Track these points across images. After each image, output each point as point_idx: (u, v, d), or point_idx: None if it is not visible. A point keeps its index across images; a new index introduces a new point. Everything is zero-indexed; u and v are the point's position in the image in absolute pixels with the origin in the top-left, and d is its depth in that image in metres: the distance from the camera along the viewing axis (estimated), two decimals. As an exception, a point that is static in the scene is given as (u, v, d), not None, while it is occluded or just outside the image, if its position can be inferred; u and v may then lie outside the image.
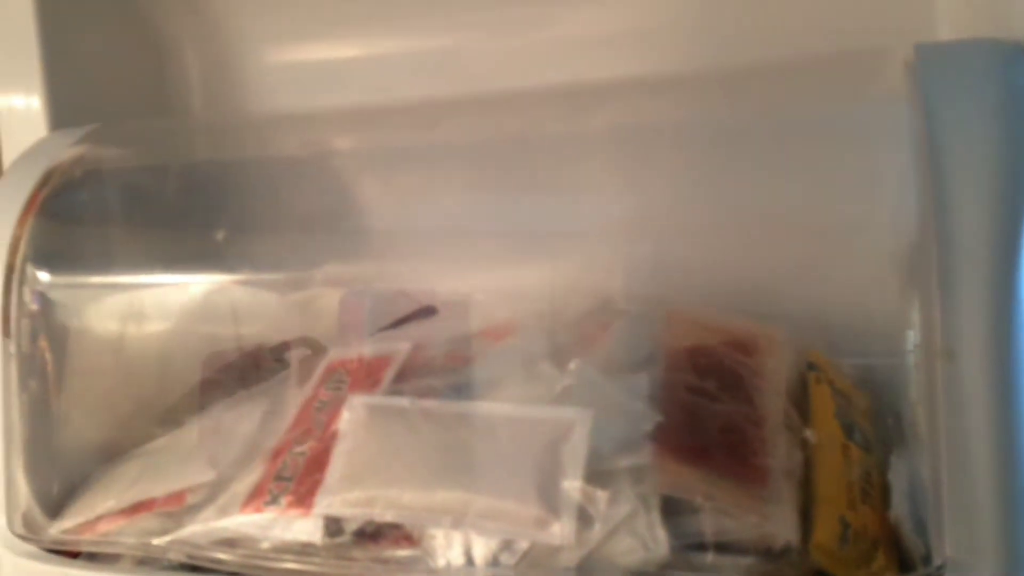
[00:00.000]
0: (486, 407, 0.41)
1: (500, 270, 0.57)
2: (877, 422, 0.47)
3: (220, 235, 0.51)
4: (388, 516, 0.39)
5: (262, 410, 0.50)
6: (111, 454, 0.52)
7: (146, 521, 0.45)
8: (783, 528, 0.36)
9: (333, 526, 0.40)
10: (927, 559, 0.36)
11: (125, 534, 0.45)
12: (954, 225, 0.37)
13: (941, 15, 0.52)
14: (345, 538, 0.40)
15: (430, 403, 0.42)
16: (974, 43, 0.42)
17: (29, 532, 0.47)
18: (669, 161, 0.53)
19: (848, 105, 0.43)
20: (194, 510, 0.45)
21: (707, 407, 0.41)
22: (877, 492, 0.41)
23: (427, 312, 0.55)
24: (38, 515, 0.48)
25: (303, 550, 0.40)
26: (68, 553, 0.47)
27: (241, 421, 0.50)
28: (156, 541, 0.44)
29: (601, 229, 0.56)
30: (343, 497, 0.40)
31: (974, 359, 0.36)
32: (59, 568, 0.45)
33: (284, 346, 0.58)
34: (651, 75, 0.53)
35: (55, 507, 0.49)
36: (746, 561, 0.36)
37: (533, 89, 0.55)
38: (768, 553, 0.36)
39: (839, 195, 0.52)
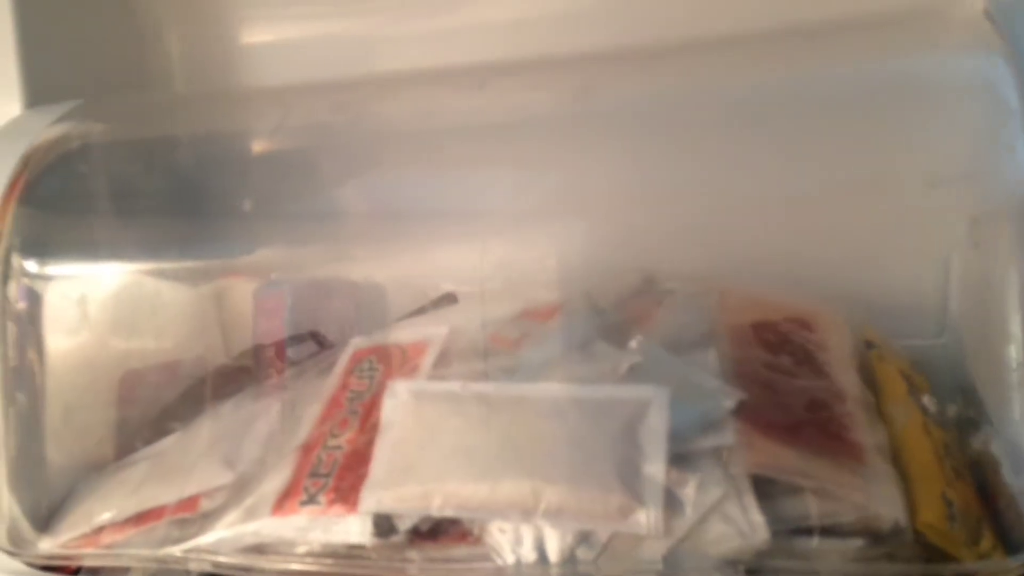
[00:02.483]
0: (549, 388, 0.38)
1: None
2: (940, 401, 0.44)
3: (247, 205, 0.47)
4: (448, 511, 0.35)
5: (278, 406, 0.45)
6: (102, 463, 0.47)
7: (156, 530, 0.40)
8: (889, 508, 0.33)
9: (384, 524, 0.36)
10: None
11: (133, 545, 0.40)
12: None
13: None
14: (399, 537, 0.36)
15: (484, 386, 0.38)
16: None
17: (17, 548, 0.42)
18: (713, 135, 0.51)
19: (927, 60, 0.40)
20: (213, 516, 0.40)
21: (788, 383, 0.38)
22: (966, 469, 0.39)
23: (448, 300, 0.52)
24: (26, 529, 0.42)
25: (350, 552, 0.36)
26: (62, 569, 0.42)
27: (255, 419, 0.45)
28: (172, 551, 0.39)
29: (643, 204, 0.53)
30: (394, 492, 0.36)
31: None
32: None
33: (289, 341, 0.54)
34: (696, 42, 0.50)
35: (44, 521, 0.44)
36: (854, 544, 0.33)
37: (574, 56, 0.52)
38: (875, 535, 0.33)
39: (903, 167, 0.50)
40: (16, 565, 0.42)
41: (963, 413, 0.42)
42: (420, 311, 0.51)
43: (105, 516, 0.42)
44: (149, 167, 0.50)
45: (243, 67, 0.63)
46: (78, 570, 0.41)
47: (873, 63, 0.41)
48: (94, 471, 0.47)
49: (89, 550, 0.41)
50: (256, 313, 0.51)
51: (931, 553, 0.34)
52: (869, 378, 0.42)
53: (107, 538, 0.41)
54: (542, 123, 0.52)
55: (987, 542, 0.34)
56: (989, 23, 0.37)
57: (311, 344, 0.55)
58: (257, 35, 0.64)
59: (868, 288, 0.54)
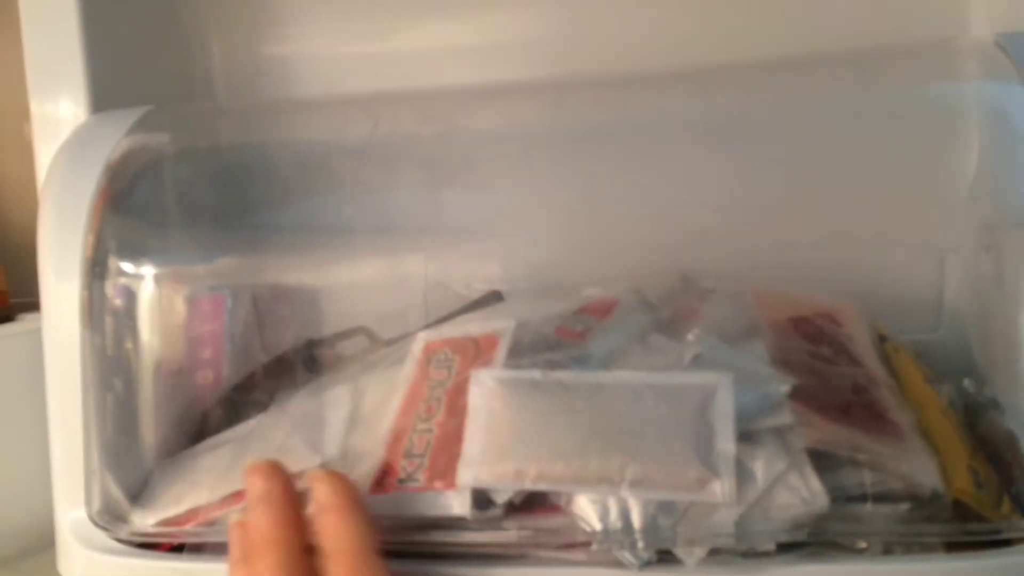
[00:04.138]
0: (624, 376, 0.42)
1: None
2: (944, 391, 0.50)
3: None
4: (542, 485, 0.39)
5: (348, 397, 0.49)
6: (178, 448, 0.50)
7: (250, 510, 0.43)
8: (929, 477, 0.38)
9: (482, 498, 0.40)
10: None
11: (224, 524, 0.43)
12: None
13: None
14: (496, 510, 0.39)
15: (564, 374, 0.42)
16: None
17: (115, 526, 0.45)
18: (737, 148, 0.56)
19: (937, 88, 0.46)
20: (303, 496, 0.43)
21: (832, 369, 0.43)
22: (980, 445, 0.44)
23: (495, 297, 0.56)
24: (125, 508, 0.45)
25: (451, 524, 0.40)
26: (157, 547, 0.45)
27: (328, 408, 0.48)
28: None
29: (675, 210, 0.58)
30: (488, 469, 0.40)
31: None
32: (161, 562, 0.43)
33: (338, 336, 0.57)
34: (724, 62, 0.55)
35: (134, 501, 0.46)
36: (901, 508, 0.38)
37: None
38: (918, 500, 0.38)
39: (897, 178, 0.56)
40: (109, 543, 0.45)
41: (972, 399, 0.48)
42: (467, 308, 0.55)
43: (200, 496, 0.45)
44: (225, 174, 0.53)
45: (283, 78, 0.66)
46: (180, 547, 0.44)
47: (892, 90, 0.47)
48: (171, 456, 0.50)
49: (189, 527, 0.44)
50: (190, 317, 0.53)
51: (963, 514, 0.39)
52: (888, 367, 0.48)
53: (204, 516, 0.44)
54: (583, 133, 0.57)
55: (1007, 506, 0.40)
56: (1001, 53, 0.43)
57: (362, 339, 0.58)
58: (298, 47, 0.67)
59: (870, 286, 0.60)
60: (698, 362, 0.43)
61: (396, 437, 0.43)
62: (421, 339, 0.49)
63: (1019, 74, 0.41)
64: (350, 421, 0.47)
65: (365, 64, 0.68)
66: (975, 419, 0.47)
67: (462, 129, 0.55)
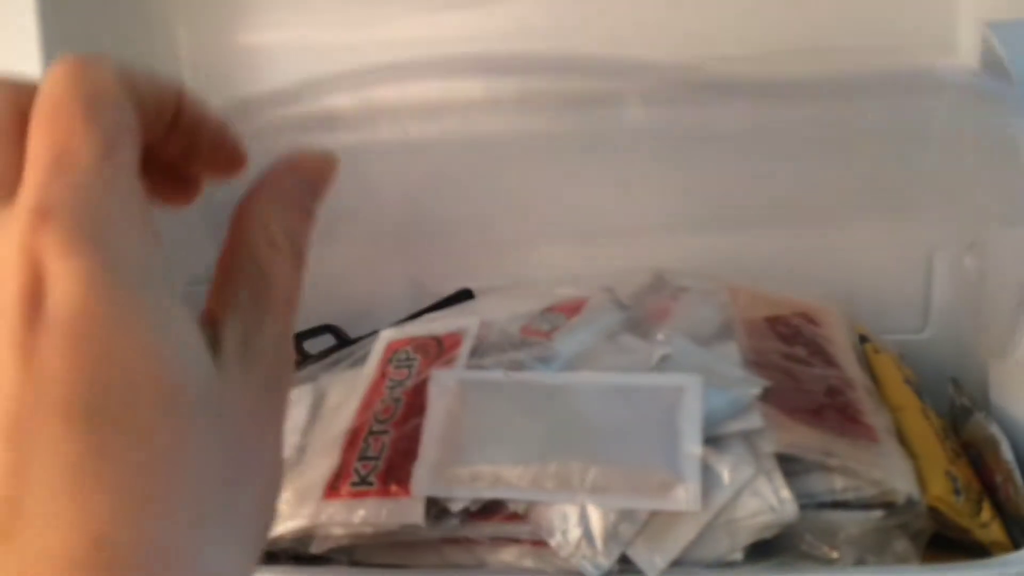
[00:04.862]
0: (589, 377, 0.40)
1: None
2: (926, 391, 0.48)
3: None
4: (498, 492, 0.37)
5: (309, 397, 0.47)
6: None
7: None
8: (903, 483, 0.37)
9: (436, 505, 0.38)
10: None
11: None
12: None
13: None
14: (451, 518, 0.38)
15: (528, 375, 0.41)
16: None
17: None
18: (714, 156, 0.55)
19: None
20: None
21: (805, 371, 0.41)
22: (961, 450, 0.42)
23: (464, 295, 0.54)
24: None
25: (403, 532, 0.38)
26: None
27: (290, 407, 0.47)
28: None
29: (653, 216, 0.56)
30: (444, 474, 0.38)
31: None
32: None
33: (304, 335, 0.56)
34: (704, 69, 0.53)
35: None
36: (874, 516, 0.36)
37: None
38: (891, 507, 0.37)
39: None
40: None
41: (955, 401, 0.46)
42: (435, 306, 0.53)
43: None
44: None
45: (253, 69, 0.64)
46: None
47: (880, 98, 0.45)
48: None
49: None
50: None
51: (940, 523, 0.37)
52: (867, 369, 0.46)
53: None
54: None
55: (986, 513, 0.38)
56: (991, 66, 0.41)
57: (328, 337, 0.57)
58: (267, 36, 0.65)
59: (854, 287, 0.58)
60: (666, 363, 0.41)
61: (352, 438, 0.42)
62: (384, 338, 0.48)
63: (1008, 66, 0.40)
64: (309, 420, 0.45)
65: (339, 55, 0.67)
66: (960, 422, 0.46)
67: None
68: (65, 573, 0.17)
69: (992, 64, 0.41)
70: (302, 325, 0.56)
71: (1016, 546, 0.37)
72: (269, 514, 0.22)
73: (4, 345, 0.18)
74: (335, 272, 0.57)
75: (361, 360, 0.47)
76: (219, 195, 0.26)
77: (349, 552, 0.40)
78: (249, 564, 0.21)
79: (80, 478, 0.18)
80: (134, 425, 0.18)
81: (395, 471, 0.39)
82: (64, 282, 0.18)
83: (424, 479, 0.38)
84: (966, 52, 0.49)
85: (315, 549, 0.39)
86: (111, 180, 0.19)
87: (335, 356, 0.50)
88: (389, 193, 0.61)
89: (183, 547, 0.18)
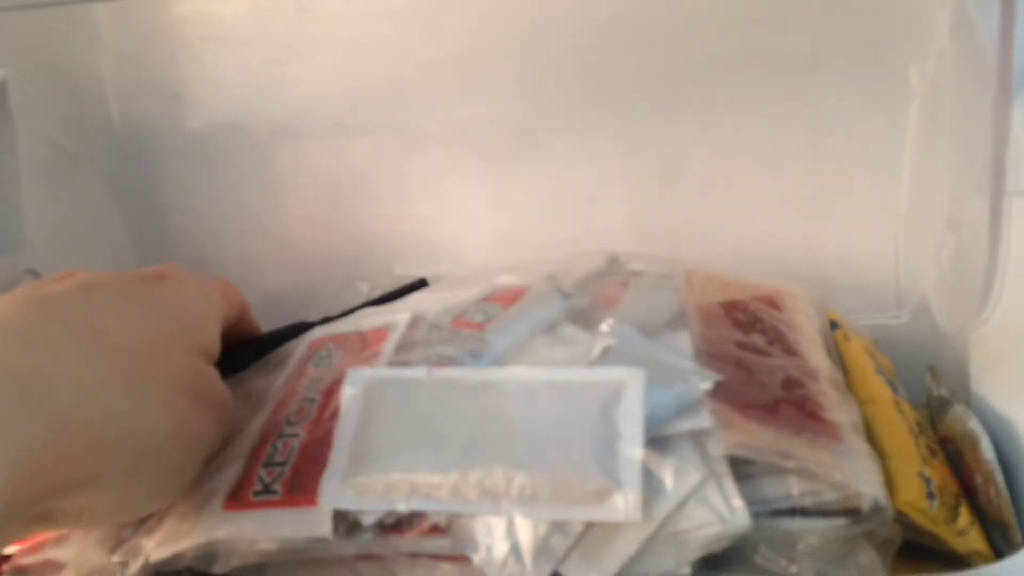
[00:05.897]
0: (519, 373, 0.36)
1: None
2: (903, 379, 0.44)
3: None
4: (415, 503, 0.33)
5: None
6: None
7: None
8: (869, 486, 0.32)
9: (346, 519, 0.34)
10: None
11: (72, 546, 0.38)
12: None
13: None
14: (363, 531, 0.34)
15: (451, 372, 0.37)
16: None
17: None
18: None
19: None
20: (159, 513, 0.37)
21: (762, 362, 0.37)
22: (938, 447, 0.38)
23: (419, 285, 0.50)
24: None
25: (310, 546, 0.34)
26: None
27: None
28: (115, 558, 0.36)
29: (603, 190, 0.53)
30: (355, 483, 0.34)
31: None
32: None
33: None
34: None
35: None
36: (837, 524, 0.32)
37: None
38: (856, 514, 0.32)
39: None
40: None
41: (933, 391, 0.42)
42: (386, 298, 0.49)
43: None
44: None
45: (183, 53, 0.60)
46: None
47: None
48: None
49: (31, 558, 0.38)
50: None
51: (912, 530, 0.33)
52: (835, 357, 0.42)
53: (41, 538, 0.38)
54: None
55: (964, 519, 0.34)
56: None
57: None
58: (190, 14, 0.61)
59: (823, 266, 0.54)
60: (608, 356, 0.37)
61: (260, 442, 0.38)
62: (309, 336, 0.44)
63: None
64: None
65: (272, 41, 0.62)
66: (937, 415, 0.41)
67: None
68: None
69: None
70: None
71: (998, 555, 0.33)
72: None
73: None
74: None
75: (285, 360, 0.43)
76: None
77: (258, 570, 0.36)
78: None
79: None
80: None
81: (302, 478, 0.35)
82: None
83: (333, 488, 0.34)
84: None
85: (219, 568, 0.35)
86: None
87: (267, 357, 0.45)
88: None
89: None
